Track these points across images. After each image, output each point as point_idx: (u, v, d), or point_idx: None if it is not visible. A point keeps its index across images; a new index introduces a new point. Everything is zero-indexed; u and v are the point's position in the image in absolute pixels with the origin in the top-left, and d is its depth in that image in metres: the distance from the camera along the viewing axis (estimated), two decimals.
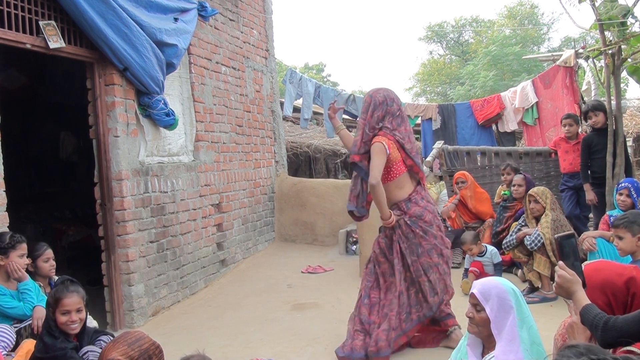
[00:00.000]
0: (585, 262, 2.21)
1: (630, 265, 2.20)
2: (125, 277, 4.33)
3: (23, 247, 3.12)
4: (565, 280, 2.02)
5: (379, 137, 3.54)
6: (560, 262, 2.06)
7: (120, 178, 4.31)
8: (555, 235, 2.19)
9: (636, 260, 2.70)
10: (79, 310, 2.66)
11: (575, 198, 5.61)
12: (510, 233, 4.89)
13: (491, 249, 5.06)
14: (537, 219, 4.65)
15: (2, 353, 2.72)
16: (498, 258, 5.01)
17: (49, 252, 3.39)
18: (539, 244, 4.47)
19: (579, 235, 4.71)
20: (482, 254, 5.01)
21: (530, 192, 4.72)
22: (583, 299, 1.99)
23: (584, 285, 2.04)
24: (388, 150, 3.49)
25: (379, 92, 3.65)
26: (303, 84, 9.12)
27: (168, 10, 4.77)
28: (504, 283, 2.18)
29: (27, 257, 3.19)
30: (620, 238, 2.82)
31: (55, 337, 2.59)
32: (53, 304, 2.64)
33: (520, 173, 5.58)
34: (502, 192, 5.84)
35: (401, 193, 3.62)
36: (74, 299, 2.64)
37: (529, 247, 4.54)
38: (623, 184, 4.18)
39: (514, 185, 5.35)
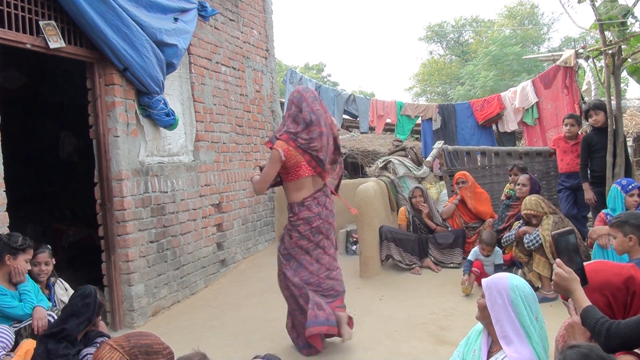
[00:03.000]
0: (584, 264, 2.20)
1: (628, 265, 2.20)
2: (125, 277, 4.33)
3: (30, 253, 3.14)
4: (562, 278, 2.00)
5: (278, 143, 3.57)
6: (558, 260, 2.03)
7: (120, 178, 4.31)
8: (552, 232, 2.17)
9: (633, 259, 2.71)
10: None
11: (573, 198, 5.61)
12: (510, 230, 4.90)
13: (497, 250, 5.07)
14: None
15: (1, 353, 2.71)
16: (500, 260, 5.02)
17: (42, 257, 3.31)
18: (536, 244, 4.48)
19: (583, 235, 4.70)
20: (489, 255, 5.03)
21: (524, 211, 4.65)
22: (582, 299, 1.96)
23: (585, 282, 2.01)
24: (283, 157, 3.53)
25: (291, 95, 3.71)
26: (303, 84, 9.13)
27: (168, 10, 4.77)
28: (511, 278, 2.18)
29: None
30: (614, 237, 2.84)
31: (59, 342, 2.59)
32: (99, 310, 2.79)
33: (526, 173, 5.56)
34: (507, 190, 5.84)
35: (297, 195, 3.66)
36: None
37: (526, 245, 4.54)
38: (633, 184, 4.12)
39: (518, 184, 5.33)
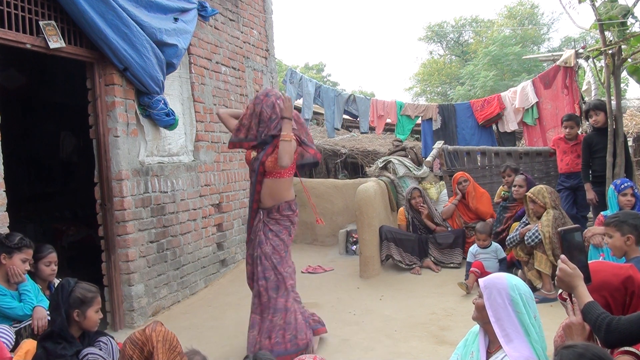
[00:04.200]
0: None
1: (626, 265, 2.21)
2: (125, 277, 4.33)
3: (28, 253, 3.12)
4: (566, 274, 2.02)
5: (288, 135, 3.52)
6: (562, 256, 2.06)
7: (120, 178, 4.31)
8: (559, 229, 2.19)
9: (630, 259, 2.71)
10: None
11: (572, 198, 5.62)
12: (512, 232, 4.92)
13: (496, 244, 5.11)
14: (540, 218, 4.65)
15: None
16: (503, 254, 5.07)
17: (52, 256, 3.35)
18: (536, 240, 4.49)
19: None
20: (487, 246, 5.06)
21: (527, 193, 4.74)
22: (585, 295, 1.98)
23: (588, 280, 2.03)
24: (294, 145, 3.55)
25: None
26: (303, 84, 9.12)
27: (168, 10, 4.77)
28: (509, 277, 2.19)
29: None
30: (610, 237, 2.84)
31: (58, 342, 2.58)
32: (88, 303, 2.68)
33: (522, 173, 5.57)
34: (502, 192, 5.84)
35: (291, 193, 3.69)
36: (99, 297, 2.78)
37: (526, 241, 4.56)
38: (626, 184, 4.15)
39: (514, 186, 5.35)
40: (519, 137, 9.21)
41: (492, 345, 2.20)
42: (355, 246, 6.48)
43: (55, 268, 3.38)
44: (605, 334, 1.88)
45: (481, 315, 2.20)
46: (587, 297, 1.97)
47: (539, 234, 4.47)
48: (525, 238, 4.58)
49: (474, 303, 2.26)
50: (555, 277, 2.10)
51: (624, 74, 5.66)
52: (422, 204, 5.98)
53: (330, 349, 3.68)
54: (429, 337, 3.85)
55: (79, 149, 7.38)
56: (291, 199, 3.69)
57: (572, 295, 2.05)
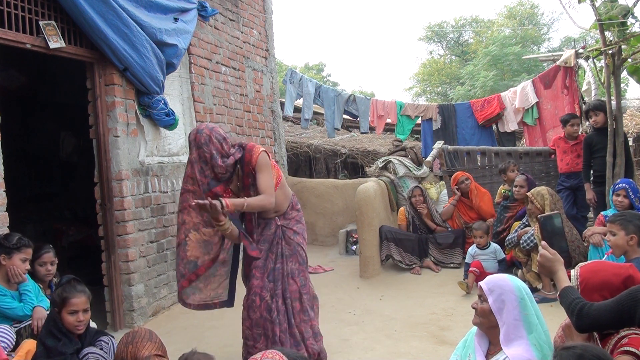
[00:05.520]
0: (581, 264, 2.22)
1: (626, 265, 2.22)
2: (126, 277, 4.33)
3: (27, 252, 3.10)
4: (547, 259, 2.08)
5: (255, 147, 3.18)
6: (543, 242, 2.10)
7: (121, 178, 4.31)
8: (539, 216, 2.23)
9: (630, 260, 2.72)
10: (85, 311, 2.67)
11: (572, 198, 5.62)
12: (512, 232, 4.93)
13: (495, 245, 5.11)
14: None
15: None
16: (502, 254, 5.07)
17: (48, 257, 3.31)
18: (531, 244, 4.51)
19: (581, 234, 4.73)
20: (485, 247, 5.06)
21: (528, 192, 4.76)
22: (563, 280, 2.04)
23: (570, 265, 2.07)
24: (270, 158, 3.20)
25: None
26: (303, 84, 9.13)
27: (168, 10, 4.77)
28: (512, 279, 2.19)
29: None
30: (613, 234, 2.84)
31: (58, 339, 2.57)
32: (60, 304, 2.62)
33: (522, 173, 5.58)
34: (503, 191, 5.84)
35: (288, 201, 3.49)
36: (82, 298, 2.66)
37: (521, 245, 4.58)
38: (620, 185, 4.18)
39: (515, 186, 5.35)
40: (519, 137, 9.21)
41: (493, 347, 2.20)
42: (355, 246, 6.48)
43: (52, 268, 3.33)
44: (576, 319, 1.94)
45: (487, 320, 2.16)
46: (565, 282, 2.03)
47: (534, 238, 4.48)
48: (521, 242, 4.59)
49: (474, 307, 2.23)
50: (537, 263, 2.15)
51: (624, 74, 5.65)
52: (421, 204, 5.98)
53: (330, 349, 3.68)
54: (429, 337, 3.85)
55: (79, 149, 7.37)
56: (293, 193, 3.60)
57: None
